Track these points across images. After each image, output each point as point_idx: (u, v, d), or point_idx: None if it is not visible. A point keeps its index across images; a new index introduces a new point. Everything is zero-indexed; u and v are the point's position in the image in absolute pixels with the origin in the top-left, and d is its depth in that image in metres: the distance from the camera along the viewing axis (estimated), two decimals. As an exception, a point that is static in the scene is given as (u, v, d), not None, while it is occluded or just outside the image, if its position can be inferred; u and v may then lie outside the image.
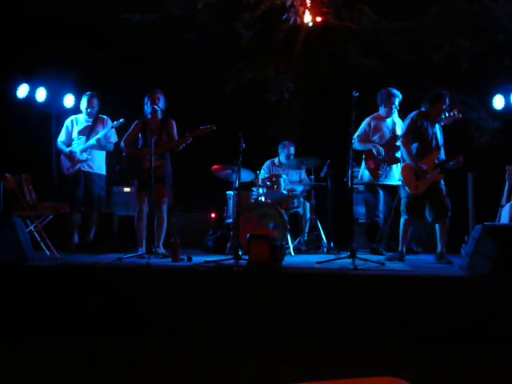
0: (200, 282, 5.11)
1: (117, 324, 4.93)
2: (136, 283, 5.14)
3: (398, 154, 7.02)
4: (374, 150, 7.18)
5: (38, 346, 4.56)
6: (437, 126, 6.48)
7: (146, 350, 4.49)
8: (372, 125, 7.32)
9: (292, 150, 8.12)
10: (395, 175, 7.18)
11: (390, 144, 7.20)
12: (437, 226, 6.37)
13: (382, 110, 7.33)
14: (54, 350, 4.44)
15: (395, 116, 7.33)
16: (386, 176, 7.25)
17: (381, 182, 7.30)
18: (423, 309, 4.72)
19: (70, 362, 4.14)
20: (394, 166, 7.19)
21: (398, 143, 6.94)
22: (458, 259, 6.10)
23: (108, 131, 7.35)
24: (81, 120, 7.51)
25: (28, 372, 3.93)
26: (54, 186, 8.63)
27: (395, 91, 7.23)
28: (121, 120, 7.26)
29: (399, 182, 6.95)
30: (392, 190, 7.24)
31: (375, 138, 7.28)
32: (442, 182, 6.35)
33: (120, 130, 7.24)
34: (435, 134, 6.45)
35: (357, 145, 7.03)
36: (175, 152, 6.74)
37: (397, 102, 7.24)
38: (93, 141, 7.28)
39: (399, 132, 7.11)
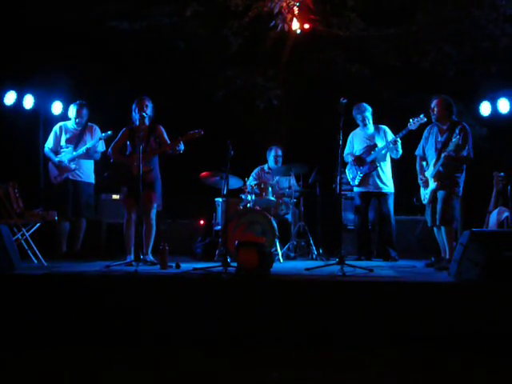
0: (188, 289, 5.09)
1: (105, 332, 4.89)
2: (124, 291, 5.11)
3: (378, 161, 7.32)
4: (350, 160, 7.48)
5: (24, 356, 4.51)
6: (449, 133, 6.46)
7: (133, 358, 4.46)
8: (351, 139, 7.64)
9: (279, 152, 8.18)
10: (377, 182, 7.33)
11: (365, 153, 7.40)
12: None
13: (359, 124, 7.56)
14: (41, 360, 4.40)
15: (371, 127, 7.49)
16: (360, 182, 7.41)
17: (361, 190, 7.44)
18: (411, 315, 4.72)
19: (55, 372, 4.10)
20: (375, 173, 7.31)
21: (374, 151, 7.29)
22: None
23: (96, 142, 7.34)
24: (69, 128, 7.50)
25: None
26: (42, 193, 8.58)
27: (364, 105, 7.47)
28: (109, 132, 7.26)
29: (381, 189, 7.31)
30: (377, 197, 7.42)
31: (355, 150, 7.55)
32: (449, 191, 6.34)
33: (108, 139, 7.23)
34: (439, 142, 6.49)
35: (346, 158, 7.56)
36: (164, 158, 6.74)
37: (367, 114, 7.44)
38: (81, 151, 7.28)
39: (377, 141, 7.37)
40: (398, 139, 7.09)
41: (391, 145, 7.14)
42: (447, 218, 6.27)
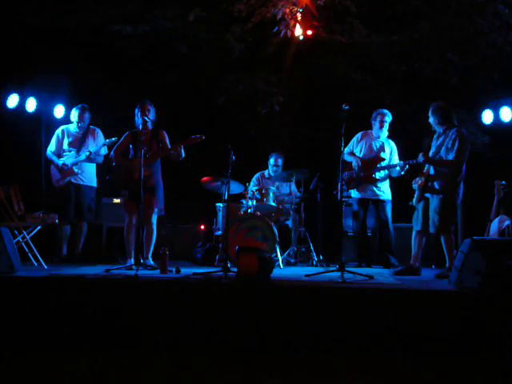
0: (188, 294, 5.08)
1: (104, 336, 4.89)
2: (124, 295, 5.11)
3: (378, 175, 7.27)
4: (354, 162, 7.34)
5: (23, 359, 4.51)
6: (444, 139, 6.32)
7: (132, 362, 4.46)
8: (358, 139, 7.52)
9: (280, 161, 8.09)
10: (374, 190, 7.31)
11: (370, 163, 7.33)
12: None
13: (373, 129, 7.45)
14: (40, 364, 4.40)
15: (384, 137, 7.42)
16: (357, 189, 7.38)
17: (358, 196, 7.44)
18: (411, 322, 4.71)
19: (55, 376, 4.10)
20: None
21: (380, 164, 7.24)
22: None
23: (99, 148, 7.34)
24: (71, 131, 7.50)
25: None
26: (43, 196, 8.58)
27: (383, 111, 7.38)
28: (113, 139, 7.22)
29: (378, 196, 7.30)
30: (375, 204, 7.40)
31: (356, 150, 7.47)
32: (437, 197, 6.21)
33: (112, 144, 7.22)
34: (435, 145, 6.43)
35: (345, 156, 7.24)
36: (166, 163, 6.74)
37: (387, 119, 7.34)
38: (84, 155, 7.28)
39: (384, 155, 7.32)
40: (407, 166, 6.90)
41: (398, 167, 7.07)
42: (445, 226, 6.18)
